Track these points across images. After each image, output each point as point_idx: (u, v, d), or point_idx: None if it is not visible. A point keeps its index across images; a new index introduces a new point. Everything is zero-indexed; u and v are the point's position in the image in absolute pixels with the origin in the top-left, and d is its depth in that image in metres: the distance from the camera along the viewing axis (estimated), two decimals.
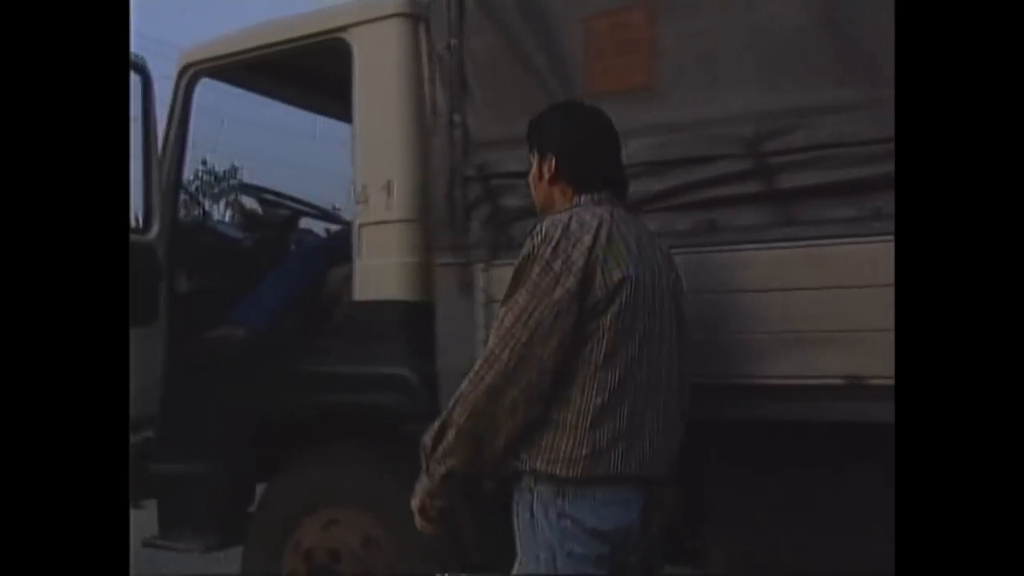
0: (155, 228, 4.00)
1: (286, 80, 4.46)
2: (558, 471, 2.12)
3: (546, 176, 2.39)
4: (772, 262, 2.58)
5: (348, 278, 3.73)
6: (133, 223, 4.00)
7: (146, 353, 3.92)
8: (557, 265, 2.11)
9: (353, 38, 3.62)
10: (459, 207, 3.03)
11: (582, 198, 2.29)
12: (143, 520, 4.32)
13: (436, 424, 2.18)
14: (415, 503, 2.25)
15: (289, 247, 4.47)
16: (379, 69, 3.56)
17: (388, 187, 3.48)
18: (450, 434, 2.14)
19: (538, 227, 2.19)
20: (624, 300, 2.13)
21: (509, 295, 2.16)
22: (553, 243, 2.13)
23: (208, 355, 3.82)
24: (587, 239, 2.12)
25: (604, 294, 2.12)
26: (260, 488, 3.92)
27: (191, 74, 4.09)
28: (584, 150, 2.36)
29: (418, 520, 2.28)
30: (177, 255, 4.08)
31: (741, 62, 2.64)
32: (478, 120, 3.02)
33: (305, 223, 4.82)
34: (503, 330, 2.11)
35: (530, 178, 2.47)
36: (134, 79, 3.89)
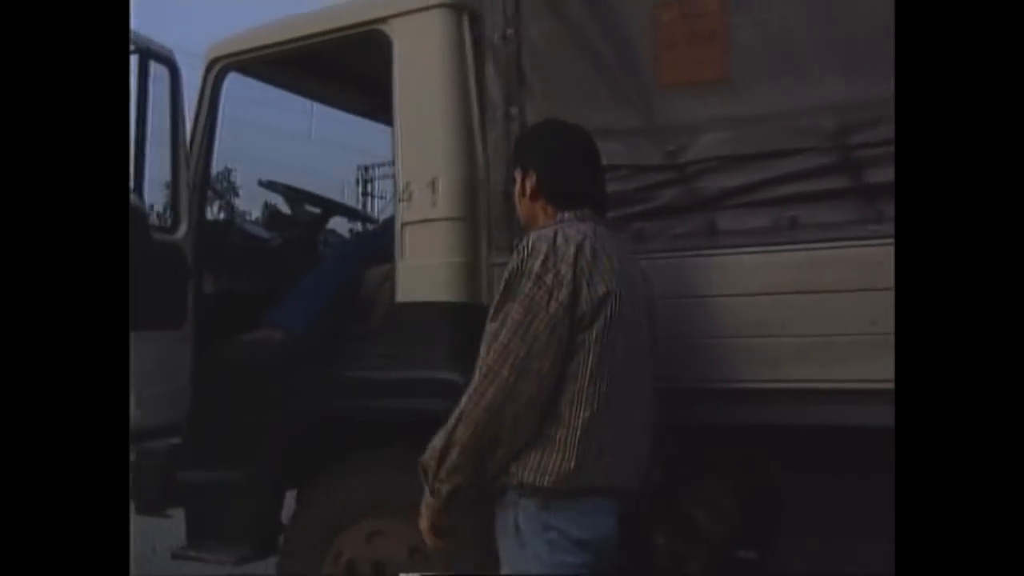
0: (183, 227, 3.86)
1: (316, 76, 4.32)
2: (546, 483, 2.17)
3: (528, 192, 2.45)
4: (858, 260, 2.47)
5: (387, 278, 3.60)
6: (160, 221, 3.87)
7: (174, 356, 3.78)
8: (549, 279, 2.15)
9: (393, 30, 3.49)
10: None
11: (565, 214, 2.34)
12: (172, 529, 4.20)
13: (438, 443, 2.19)
14: (423, 524, 2.28)
15: (318, 247, 4.33)
16: (422, 62, 3.43)
17: (433, 184, 3.35)
18: (454, 452, 2.17)
19: (525, 241, 2.24)
20: (608, 314, 2.19)
21: (498, 309, 2.19)
22: (542, 257, 2.17)
23: (244, 358, 3.68)
24: (572, 253, 2.18)
25: (589, 308, 2.17)
26: (291, 496, 3.79)
27: (219, 68, 3.95)
28: (563, 168, 2.42)
29: (429, 540, 2.31)
30: (204, 255, 3.93)
31: (822, 50, 2.52)
32: (537, 112, 2.88)
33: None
34: (499, 345, 2.14)
35: (515, 194, 2.54)
36: (161, 71, 3.76)
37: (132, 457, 3.96)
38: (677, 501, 3.05)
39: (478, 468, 2.20)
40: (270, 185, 4.23)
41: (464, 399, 2.17)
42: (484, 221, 3.07)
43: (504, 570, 2.27)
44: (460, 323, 3.25)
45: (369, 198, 17.76)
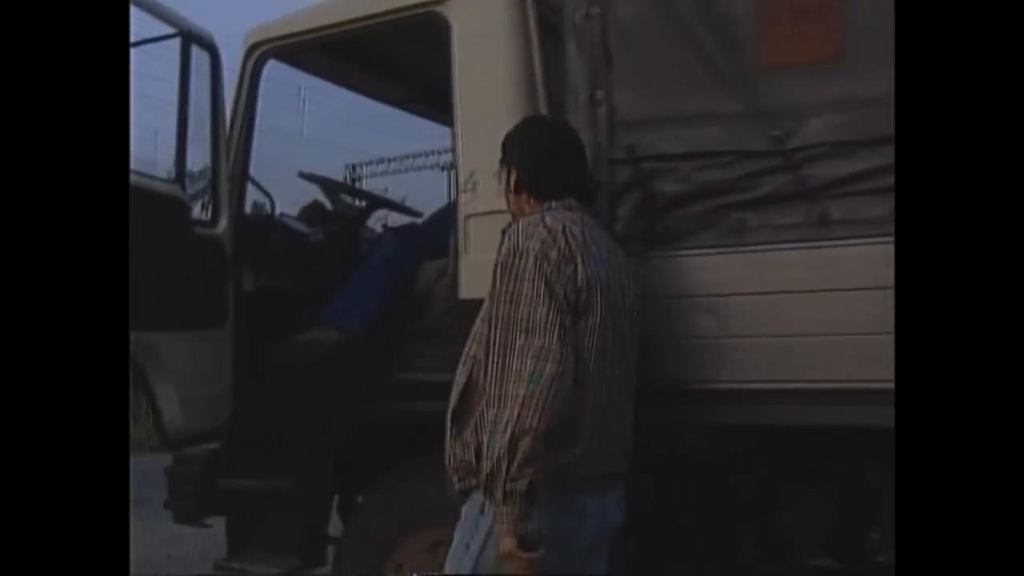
0: (223, 221, 3.65)
1: (358, 63, 4.12)
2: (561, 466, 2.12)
3: (512, 187, 2.48)
4: None
5: (442, 274, 3.43)
6: (200, 215, 3.66)
7: (215, 357, 3.58)
8: (553, 255, 2.16)
9: (451, 12, 3.31)
10: (605, 194, 2.72)
11: (552, 203, 2.36)
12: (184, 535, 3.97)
13: (497, 443, 2.02)
14: (508, 544, 2.03)
15: (359, 242, 4.13)
16: (484, 44, 3.25)
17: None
18: (525, 443, 2.02)
19: (514, 227, 2.26)
20: (602, 297, 2.20)
21: (505, 291, 2.16)
22: (539, 238, 2.18)
23: (296, 359, 3.47)
24: (563, 234, 2.19)
25: (586, 288, 2.18)
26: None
27: (259, 55, 3.75)
28: (543, 162, 2.44)
29: (518, 563, 2.03)
30: (244, 250, 3.73)
31: None
32: (626, 96, 2.71)
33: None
34: (539, 323, 2.09)
35: (502, 191, 2.56)
36: (201, 56, 3.55)
37: (169, 464, 3.78)
38: (767, 508, 2.90)
39: (551, 455, 2.07)
40: (309, 177, 4.02)
41: (512, 385, 2.07)
42: None
43: (455, 545, 2.24)
44: None
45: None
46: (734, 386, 2.60)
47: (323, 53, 3.89)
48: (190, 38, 3.44)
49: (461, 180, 3.23)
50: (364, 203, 4.17)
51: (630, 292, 2.37)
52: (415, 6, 3.40)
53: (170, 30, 3.41)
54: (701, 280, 2.64)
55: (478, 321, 2.31)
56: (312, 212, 4.22)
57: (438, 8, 3.34)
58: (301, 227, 4.05)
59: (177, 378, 3.33)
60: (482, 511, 2.18)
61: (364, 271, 3.61)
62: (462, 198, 3.23)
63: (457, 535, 2.27)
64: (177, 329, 3.35)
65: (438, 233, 3.47)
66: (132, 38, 3.58)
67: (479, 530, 2.20)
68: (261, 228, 3.86)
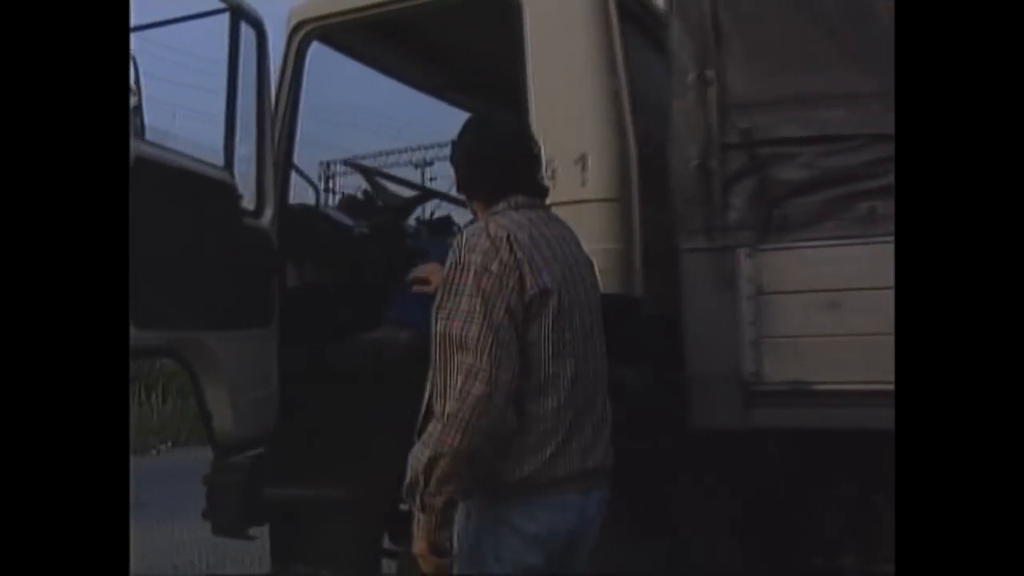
0: (268, 211, 3.40)
1: (402, 48, 3.89)
2: (524, 474, 2.08)
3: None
4: None
5: None
6: (244, 204, 3.41)
7: (262, 359, 3.33)
8: (495, 267, 2.08)
9: None
10: (716, 181, 2.53)
11: (498, 206, 2.26)
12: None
13: (422, 456, 2.03)
14: (419, 547, 2.09)
15: (405, 236, 3.90)
16: (561, 26, 3.06)
17: (582, 161, 2.98)
18: (444, 461, 2.02)
19: (458, 239, 2.17)
20: (556, 301, 2.12)
21: (444, 306, 2.09)
22: (481, 249, 2.10)
23: (359, 361, 3.24)
24: (507, 242, 2.11)
25: (537, 294, 2.10)
26: None
27: (304, 34, 3.51)
28: (477, 162, 2.32)
29: (428, 564, 2.09)
30: (288, 243, 3.48)
31: None
32: (739, 76, 2.53)
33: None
34: (471, 340, 2.03)
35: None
36: (247, 32, 3.29)
37: (209, 472, 3.54)
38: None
39: (468, 473, 2.05)
40: (355, 166, 3.78)
41: (441, 404, 2.03)
42: (654, 202, 2.68)
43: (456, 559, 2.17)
44: (617, 317, 2.89)
45: (331, 195, 17.44)
46: (858, 388, 2.43)
47: (371, 35, 3.66)
48: (239, 14, 3.19)
49: None
50: (412, 194, 3.91)
51: (590, 283, 2.31)
52: None
53: (219, 5, 3.16)
54: (823, 273, 2.46)
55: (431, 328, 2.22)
56: (351, 204, 3.98)
57: None
58: (344, 219, 3.81)
59: (229, 380, 3.08)
60: (468, 517, 2.14)
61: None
62: None
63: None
64: (228, 328, 3.10)
65: None
66: (174, 14, 3.39)
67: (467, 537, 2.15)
68: (306, 220, 3.61)
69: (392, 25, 3.53)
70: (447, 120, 4.15)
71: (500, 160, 2.31)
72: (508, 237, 2.12)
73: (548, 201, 2.99)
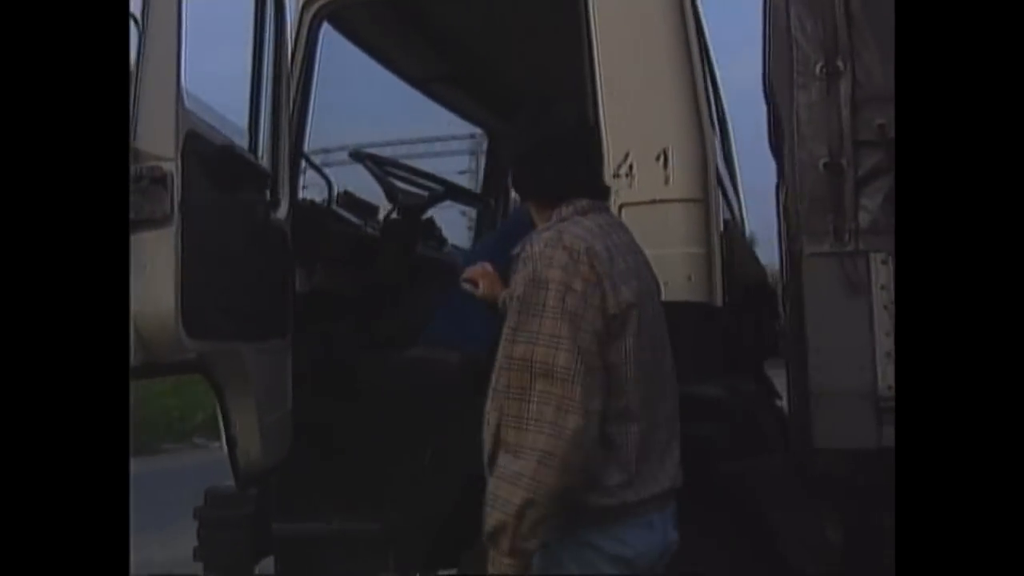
0: (284, 206, 2.98)
1: (441, 30, 3.54)
2: (611, 503, 1.96)
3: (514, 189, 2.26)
4: None
5: None
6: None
7: (281, 374, 2.90)
8: (577, 285, 1.92)
9: None
10: (847, 181, 2.34)
11: (562, 211, 2.07)
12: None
13: (515, 497, 1.85)
14: None
15: (418, 237, 3.53)
16: (635, 11, 2.81)
17: (663, 157, 2.74)
18: (540, 503, 1.85)
19: (528, 249, 2.00)
20: (637, 318, 1.98)
21: (522, 329, 1.92)
22: (559, 264, 1.93)
23: (406, 381, 2.86)
24: (587, 256, 1.95)
25: (619, 313, 1.95)
26: None
27: (315, 11, 3.13)
28: (535, 159, 2.12)
29: None
30: (300, 244, 3.07)
31: None
32: (873, 67, 2.35)
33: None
34: (560, 368, 1.88)
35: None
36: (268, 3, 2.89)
37: (203, 505, 3.07)
38: None
39: (564, 512, 1.90)
40: (368, 158, 3.37)
41: (516, 436, 1.87)
42: (797, 202, 2.46)
43: None
44: (701, 327, 2.66)
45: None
46: None
47: (384, 20, 3.31)
48: None
49: (612, 165, 2.76)
50: (428, 190, 3.54)
51: (657, 294, 2.17)
52: None
53: None
54: None
55: (500, 349, 2.02)
56: (350, 201, 3.57)
57: None
58: (352, 217, 3.41)
59: (257, 400, 2.64)
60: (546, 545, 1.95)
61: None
62: (615, 185, 2.75)
63: None
64: (259, 338, 2.67)
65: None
66: None
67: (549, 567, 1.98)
68: (317, 218, 3.20)
69: (419, 6, 3.20)
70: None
71: (562, 158, 2.11)
72: (587, 250, 1.95)
73: (623, 201, 2.79)
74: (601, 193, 2.18)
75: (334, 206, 3.36)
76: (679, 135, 2.75)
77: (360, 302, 3.25)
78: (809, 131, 2.42)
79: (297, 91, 3.15)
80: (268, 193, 2.81)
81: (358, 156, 3.39)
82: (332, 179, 3.32)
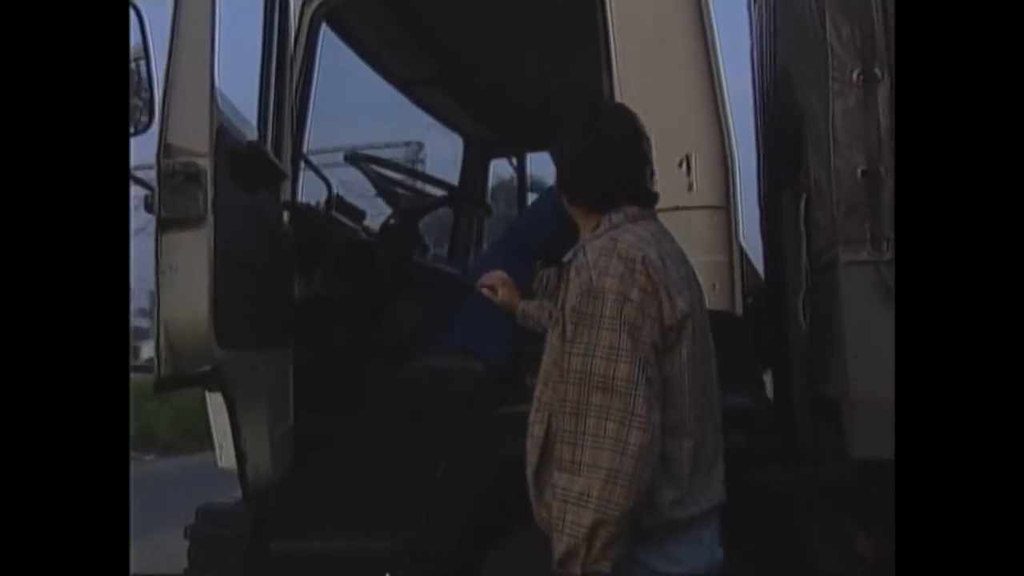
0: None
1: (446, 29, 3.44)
2: (662, 520, 1.90)
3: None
4: None
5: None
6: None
7: (286, 384, 2.76)
8: (634, 295, 1.87)
9: None
10: (885, 188, 2.33)
11: (612, 217, 2.02)
12: None
13: (582, 521, 1.79)
14: None
15: (414, 243, 3.41)
16: (655, 13, 2.77)
17: (686, 163, 2.70)
18: (612, 523, 1.79)
19: (581, 257, 1.94)
20: (692, 329, 1.93)
21: (577, 339, 1.87)
22: (615, 274, 1.88)
23: (423, 393, 2.74)
24: (643, 264, 1.90)
25: (675, 325, 1.90)
26: None
27: (316, 9, 3.01)
28: (587, 162, 2.07)
29: None
30: (299, 248, 2.94)
31: None
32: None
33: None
34: (621, 381, 1.82)
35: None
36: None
37: (194, 523, 2.89)
38: None
39: (632, 530, 1.85)
40: (365, 159, 3.24)
41: (573, 452, 1.81)
42: (836, 207, 2.43)
43: None
44: (728, 336, 2.62)
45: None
46: None
47: (386, 20, 3.21)
48: None
49: None
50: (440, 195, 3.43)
51: (704, 301, 2.13)
52: None
53: None
54: None
55: (546, 359, 1.99)
56: (345, 204, 3.43)
57: None
58: (352, 222, 3.28)
59: (268, 411, 2.50)
60: None
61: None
62: None
63: None
64: (270, 345, 2.53)
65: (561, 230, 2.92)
66: None
67: None
68: (315, 221, 3.07)
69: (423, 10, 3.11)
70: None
71: (615, 162, 2.05)
72: (644, 259, 1.89)
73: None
74: (651, 200, 2.12)
75: (332, 210, 3.22)
76: (701, 141, 2.72)
77: (357, 308, 3.12)
78: (846, 138, 2.40)
79: (297, 91, 3.02)
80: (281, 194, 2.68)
81: (356, 159, 3.26)
82: (331, 181, 3.18)
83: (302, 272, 3.04)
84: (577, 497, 1.80)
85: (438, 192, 3.73)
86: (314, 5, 3.05)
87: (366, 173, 3.30)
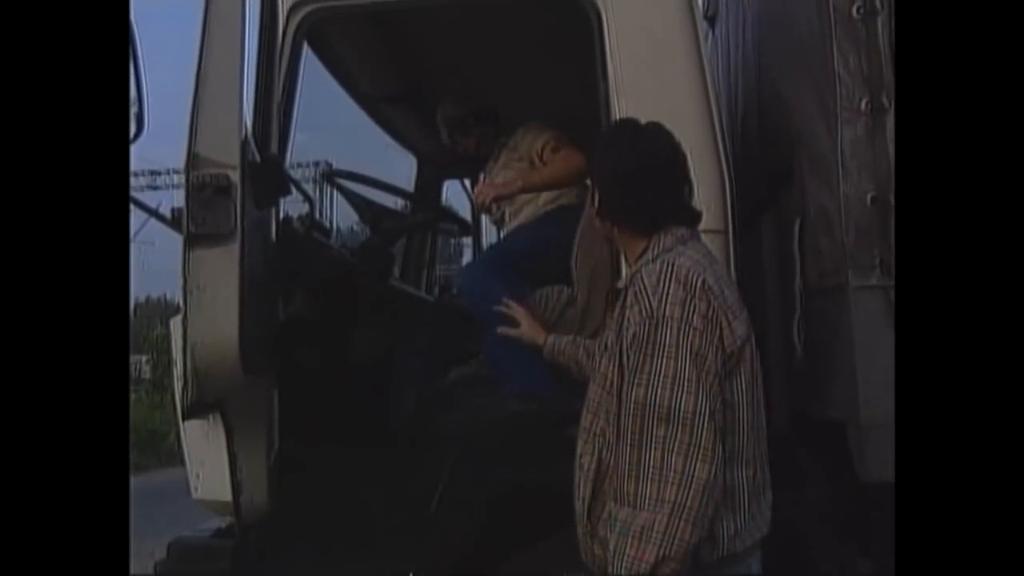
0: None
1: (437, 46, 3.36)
2: (721, 554, 1.87)
3: (603, 214, 2.09)
4: None
5: (569, 303, 2.85)
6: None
7: (271, 413, 2.62)
8: (696, 321, 1.84)
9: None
10: (894, 215, 2.36)
11: (663, 239, 2.00)
12: None
13: (645, 556, 1.74)
14: None
15: (391, 264, 3.31)
16: (655, 40, 2.79)
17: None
18: (675, 559, 1.75)
19: (639, 283, 1.90)
20: (750, 352, 1.92)
21: (640, 368, 1.83)
22: (676, 300, 1.85)
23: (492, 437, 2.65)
24: (701, 288, 1.87)
25: (736, 347, 1.89)
26: None
27: (304, 15, 2.91)
28: (638, 181, 2.02)
29: None
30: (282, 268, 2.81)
31: None
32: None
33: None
34: (686, 413, 1.78)
35: (591, 216, 2.20)
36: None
37: (166, 558, 2.72)
38: None
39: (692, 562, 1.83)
40: (347, 176, 3.12)
41: (636, 487, 1.77)
42: (844, 231, 2.45)
43: None
44: None
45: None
46: None
47: (377, 30, 3.12)
48: None
49: None
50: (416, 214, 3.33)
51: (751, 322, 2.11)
52: None
53: None
54: None
55: (596, 389, 1.97)
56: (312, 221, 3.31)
57: None
58: (331, 242, 3.16)
59: (265, 438, 2.36)
60: None
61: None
62: None
63: None
64: (266, 368, 2.40)
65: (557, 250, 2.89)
66: None
67: None
68: (297, 240, 2.94)
69: (415, 17, 3.03)
70: None
71: (661, 183, 2.02)
72: (703, 284, 1.85)
73: None
74: (696, 219, 2.09)
75: (313, 230, 3.10)
76: (702, 166, 2.70)
77: (336, 328, 3.01)
78: (855, 166, 2.43)
79: (281, 102, 2.90)
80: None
81: (332, 176, 3.15)
82: (314, 199, 3.06)
83: (284, 292, 2.92)
84: (639, 531, 1.75)
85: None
86: (305, 12, 2.93)
87: (343, 191, 3.20)
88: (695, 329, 1.81)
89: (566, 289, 2.87)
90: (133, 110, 2.23)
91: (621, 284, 1.96)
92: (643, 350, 1.81)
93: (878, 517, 2.55)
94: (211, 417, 2.28)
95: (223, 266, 1.91)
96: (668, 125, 2.67)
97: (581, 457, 1.93)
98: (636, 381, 1.81)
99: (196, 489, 2.66)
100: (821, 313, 2.62)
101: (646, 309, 1.84)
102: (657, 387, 1.79)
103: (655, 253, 1.95)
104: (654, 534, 1.74)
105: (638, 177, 2.00)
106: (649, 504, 1.75)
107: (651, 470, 1.77)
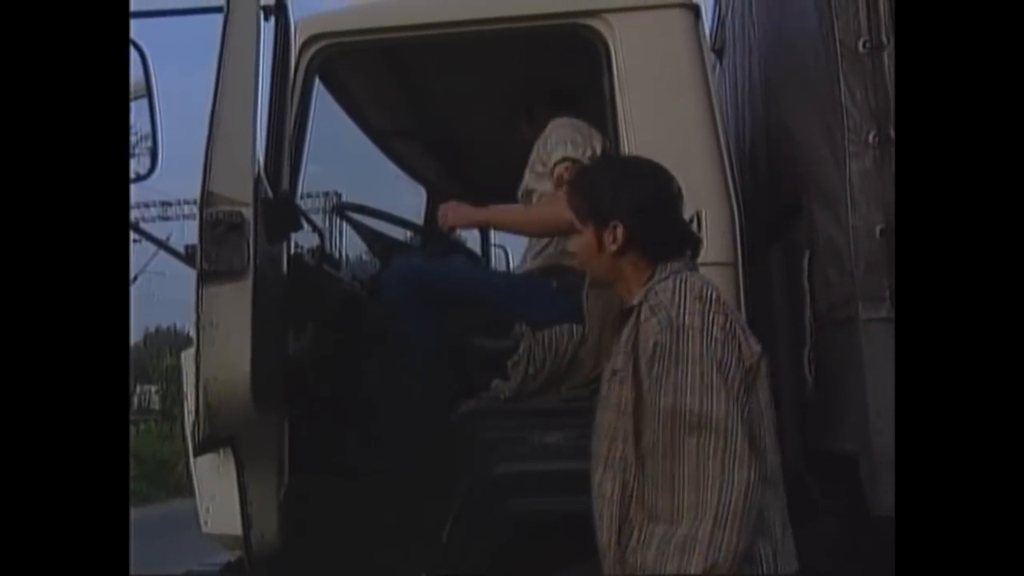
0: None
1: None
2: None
3: (610, 247, 2.05)
4: None
5: (582, 341, 2.86)
6: None
7: (282, 445, 2.62)
8: (717, 332, 1.83)
9: (612, 28, 2.83)
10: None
11: (671, 264, 2.01)
12: None
13: (692, 569, 1.69)
14: None
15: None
16: (663, 71, 2.81)
17: (697, 221, 2.70)
18: (724, 567, 1.71)
19: (654, 298, 1.91)
20: (766, 367, 1.91)
21: (665, 376, 1.81)
22: (695, 311, 1.85)
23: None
24: (719, 304, 1.88)
25: (754, 361, 1.87)
26: None
27: (316, 51, 2.95)
28: (656, 212, 2.06)
29: None
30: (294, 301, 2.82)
31: None
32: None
33: None
34: (717, 417, 1.76)
35: (577, 249, 2.15)
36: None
37: None
38: None
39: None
40: (358, 209, 3.15)
41: (672, 500, 1.74)
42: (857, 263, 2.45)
43: None
44: None
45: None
46: None
47: (391, 62, 3.16)
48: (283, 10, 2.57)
49: None
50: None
51: None
52: (562, 15, 2.88)
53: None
54: None
55: (610, 415, 1.93)
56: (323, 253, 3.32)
57: (591, 22, 2.84)
58: (343, 274, 3.17)
59: (276, 470, 2.37)
60: None
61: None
62: None
63: None
64: (277, 399, 2.41)
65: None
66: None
67: None
68: (309, 272, 2.95)
69: (424, 51, 3.06)
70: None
71: (678, 210, 2.09)
72: (718, 297, 1.87)
73: None
74: (700, 247, 2.16)
75: (324, 263, 3.12)
76: (711, 198, 2.73)
77: (346, 361, 3.01)
78: (863, 198, 2.43)
79: (292, 136, 2.93)
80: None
81: (343, 208, 3.18)
82: (324, 231, 3.08)
83: (295, 326, 2.93)
84: (682, 543, 1.70)
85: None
86: (318, 47, 2.96)
87: (353, 224, 3.22)
88: (715, 339, 1.80)
89: (576, 327, 2.87)
90: (147, 145, 2.27)
91: (634, 302, 1.94)
92: (666, 360, 1.79)
93: (890, 551, 2.56)
94: (222, 451, 2.29)
95: (236, 302, 1.93)
96: (676, 157, 2.73)
97: (601, 485, 1.89)
98: (662, 392, 1.79)
99: (206, 523, 2.67)
100: (831, 345, 2.62)
101: (664, 320, 1.83)
102: (685, 395, 1.76)
103: (665, 274, 1.96)
104: (698, 544, 1.69)
105: (658, 206, 2.04)
106: (689, 514, 1.71)
107: (687, 481, 1.73)
